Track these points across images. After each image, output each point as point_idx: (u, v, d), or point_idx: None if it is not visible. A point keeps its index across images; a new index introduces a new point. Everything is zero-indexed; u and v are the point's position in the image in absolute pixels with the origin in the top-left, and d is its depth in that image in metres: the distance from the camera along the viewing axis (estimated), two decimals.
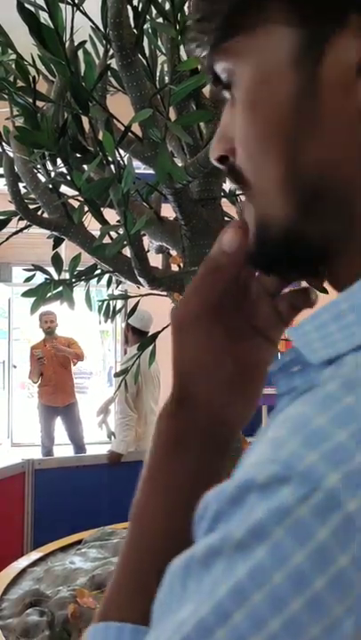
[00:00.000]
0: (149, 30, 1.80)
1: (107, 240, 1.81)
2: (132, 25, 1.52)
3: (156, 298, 2.14)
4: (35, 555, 2.36)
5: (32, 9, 1.37)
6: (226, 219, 1.97)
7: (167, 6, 1.64)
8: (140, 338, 3.96)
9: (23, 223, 1.99)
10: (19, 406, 9.94)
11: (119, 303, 2.49)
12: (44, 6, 1.30)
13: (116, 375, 2.29)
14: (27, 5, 1.28)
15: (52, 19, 1.26)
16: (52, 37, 1.26)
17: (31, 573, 2.17)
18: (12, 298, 9.25)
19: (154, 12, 1.66)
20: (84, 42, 1.74)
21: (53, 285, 1.59)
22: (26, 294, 1.61)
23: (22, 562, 2.27)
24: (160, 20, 1.64)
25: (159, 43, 1.85)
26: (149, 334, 2.08)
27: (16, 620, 1.77)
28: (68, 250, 2.32)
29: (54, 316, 6.36)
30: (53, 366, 6.38)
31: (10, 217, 2.00)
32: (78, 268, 1.87)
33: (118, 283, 2.28)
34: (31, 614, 1.77)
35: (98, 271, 1.92)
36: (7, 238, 1.90)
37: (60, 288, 1.67)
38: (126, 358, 2.70)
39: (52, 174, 1.78)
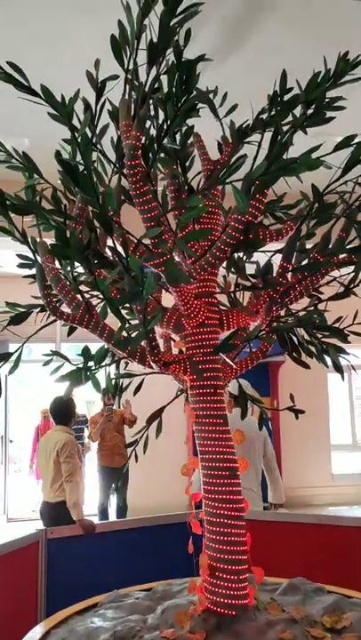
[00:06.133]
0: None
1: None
2: (142, 160, 1.90)
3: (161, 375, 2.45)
4: (52, 620, 2.49)
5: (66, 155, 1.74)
6: (222, 307, 2.31)
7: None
8: None
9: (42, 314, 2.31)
10: (14, 481, 9.93)
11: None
12: (80, 156, 1.66)
13: (127, 446, 2.54)
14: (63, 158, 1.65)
15: (85, 167, 1.62)
16: (86, 181, 1.62)
17: (55, 635, 2.32)
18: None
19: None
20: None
21: (83, 373, 1.87)
22: (60, 380, 1.90)
23: (40, 628, 2.39)
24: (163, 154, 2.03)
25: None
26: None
27: None
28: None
29: None
30: (110, 432, 7.66)
31: (30, 310, 2.32)
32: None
33: (126, 363, 2.58)
34: None
35: (112, 357, 2.23)
36: (36, 332, 2.21)
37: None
38: (134, 432, 2.96)
39: (75, 276, 2.12)
